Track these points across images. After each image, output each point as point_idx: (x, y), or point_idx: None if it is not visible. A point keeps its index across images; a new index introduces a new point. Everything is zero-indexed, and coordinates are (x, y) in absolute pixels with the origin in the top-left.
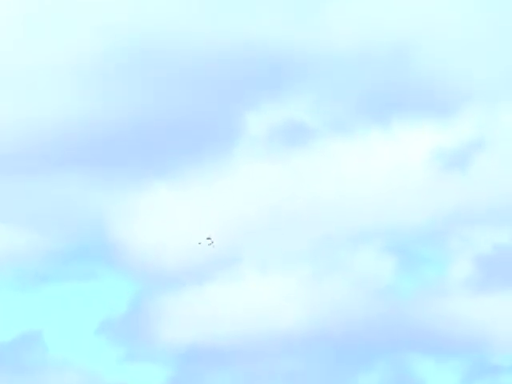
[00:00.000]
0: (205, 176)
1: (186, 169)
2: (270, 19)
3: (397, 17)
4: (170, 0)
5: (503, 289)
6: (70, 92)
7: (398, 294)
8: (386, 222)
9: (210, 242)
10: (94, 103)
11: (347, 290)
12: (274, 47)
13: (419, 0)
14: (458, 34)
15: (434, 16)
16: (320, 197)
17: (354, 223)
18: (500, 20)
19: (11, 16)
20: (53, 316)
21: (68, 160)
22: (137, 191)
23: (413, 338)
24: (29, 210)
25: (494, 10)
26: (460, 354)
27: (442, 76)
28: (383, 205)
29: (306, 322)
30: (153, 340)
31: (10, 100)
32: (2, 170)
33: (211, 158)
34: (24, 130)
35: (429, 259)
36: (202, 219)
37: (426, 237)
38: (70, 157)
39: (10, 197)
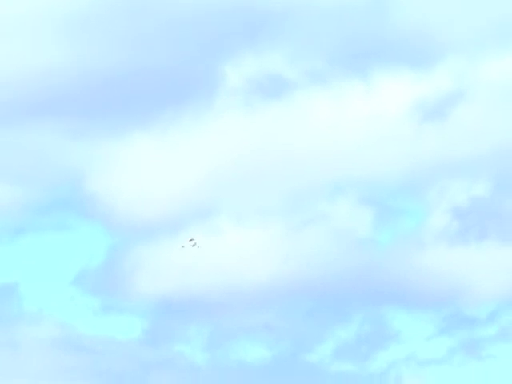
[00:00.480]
0: (183, 127)
1: (164, 120)
2: None
3: None
4: None
5: (479, 241)
6: (50, 41)
7: (374, 246)
8: (364, 174)
9: (193, 243)
10: (74, 53)
11: (324, 242)
12: None
13: None
14: None
15: None
16: (297, 148)
17: (331, 175)
18: None
19: None
20: (28, 268)
21: (45, 110)
22: (114, 142)
23: (389, 290)
24: (4, 161)
25: None
26: (436, 305)
27: (422, 27)
28: (361, 156)
29: (281, 274)
30: (128, 292)
31: None
32: None
33: (189, 109)
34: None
35: (406, 211)
36: (179, 171)
37: (404, 189)
38: (47, 107)
39: None
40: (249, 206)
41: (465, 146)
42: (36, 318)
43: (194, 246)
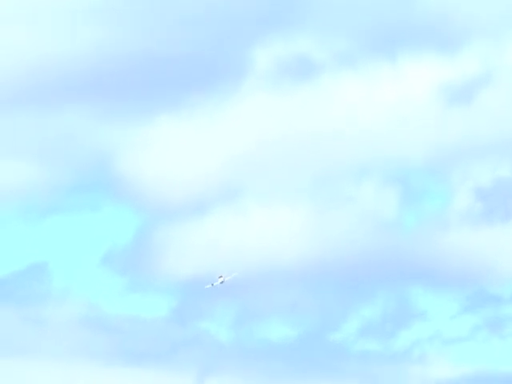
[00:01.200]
0: (211, 110)
1: (194, 103)
2: None
3: None
4: None
5: (503, 221)
6: (82, 26)
7: (399, 227)
8: (389, 156)
9: (221, 280)
10: (105, 39)
11: (350, 223)
12: None
13: None
14: None
15: None
16: (324, 130)
17: (358, 157)
18: None
19: None
20: (57, 247)
21: (75, 94)
22: (142, 125)
23: (414, 270)
24: (35, 144)
25: None
26: (460, 285)
27: (449, 11)
28: (386, 139)
29: (307, 255)
30: (155, 271)
31: (17, 34)
32: (9, 104)
33: (218, 92)
34: (31, 65)
35: (431, 192)
36: (206, 153)
37: (429, 170)
38: (76, 91)
39: (15, 131)
40: (275, 187)
41: (489, 129)
42: (64, 297)
43: (222, 283)
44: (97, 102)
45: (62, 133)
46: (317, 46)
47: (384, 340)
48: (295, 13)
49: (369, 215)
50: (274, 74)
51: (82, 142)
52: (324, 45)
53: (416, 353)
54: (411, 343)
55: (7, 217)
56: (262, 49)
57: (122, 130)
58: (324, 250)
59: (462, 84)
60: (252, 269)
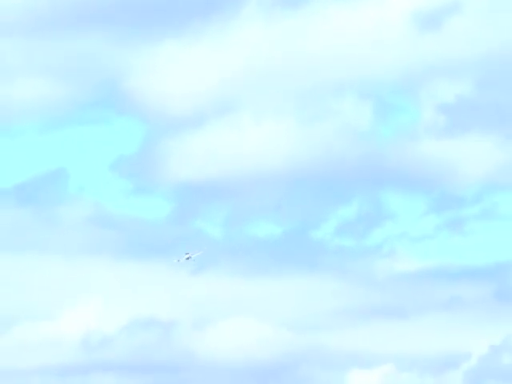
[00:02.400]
0: (212, 35)
1: (196, 29)
2: None
3: None
4: None
5: (464, 132)
6: None
7: (374, 137)
8: (367, 75)
9: (187, 256)
10: None
11: (330, 133)
12: None
13: None
14: None
15: None
16: (310, 52)
17: (339, 75)
18: None
19: None
20: (72, 155)
21: (90, 21)
22: (149, 48)
23: (386, 175)
24: (54, 63)
25: None
26: (426, 189)
27: None
28: (365, 59)
29: (292, 162)
30: (158, 176)
31: None
32: (28, 26)
33: (218, 18)
34: None
35: (402, 107)
36: (205, 72)
37: (401, 88)
38: (92, 18)
39: (36, 51)
40: (266, 102)
41: (454, 52)
42: (77, 199)
43: (188, 259)
44: (110, 27)
45: (78, 54)
46: None
47: (358, 237)
48: None
49: (347, 126)
50: (268, 3)
51: (95, 62)
52: None
53: (386, 249)
54: (382, 240)
55: (28, 128)
56: None
57: (130, 51)
58: (307, 157)
59: (433, 11)
60: (242, 173)
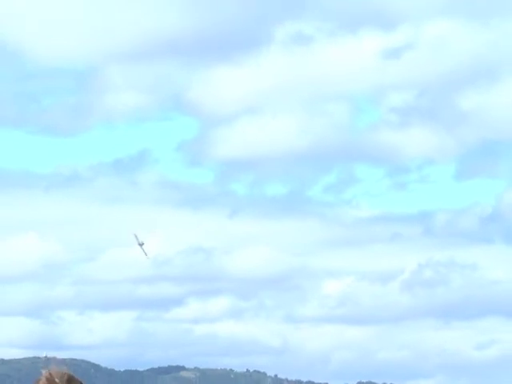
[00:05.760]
0: (248, 61)
1: (238, 56)
2: None
3: None
4: None
5: (410, 126)
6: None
7: (351, 130)
8: (348, 89)
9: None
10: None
11: (323, 127)
12: None
13: None
14: None
15: None
16: (312, 74)
17: (330, 89)
18: None
19: None
20: (154, 140)
21: (164, 50)
22: (204, 70)
23: (357, 154)
24: (142, 79)
25: None
26: (384, 163)
27: None
28: (347, 78)
29: (296, 145)
30: (207, 154)
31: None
32: (127, 55)
33: (253, 50)
34: (145, 32)
35: (370, 109)
36: (243, 86)
37: (370, 97)
38: (165, 48)
39: (132, 72)
40: (281, 106)
41: (407, 73)
42: (154, 169)
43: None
44: (178, 56)
45: (157, 74)
46: None
47: (336, 195)
48: None
49: (334, 122)
50: (287, 41)
51: (167, 79)
52: None
53: (354, 202)
54: (351, 197)
55: (126, 123)
56: None
57: (191, 72)
58: (306, 142)
59: (395, 46)
60: (262, 154)
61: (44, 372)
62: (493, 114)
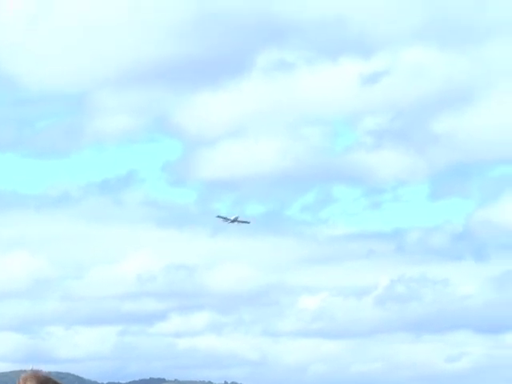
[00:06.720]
0: (231, 86)
1: (221, 82)
2: None
3: None
4: None
5: (384, 148)
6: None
7: (328, 151)
8: (326, 113)
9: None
10: (163, 51)
11: (302, 149)
12: None
13: None
14: None
15: None
16: (292, 99)
17: (309, 113)
18: None
19: None
20: (141, 160)
21: (151, 76)
22: (189, 94)
23: (334, 175)
24: (131, 102)
25: None
26: (360, 183)
27: None
28: (325, 103)
29: (276, 166)
30: (189, 174)
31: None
32: (117, 80)
33: (236, 76)
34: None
35: (346, 133)
36: (226, 110)
37: (346, 121)
38: (152, 74)
39: (122, 95)
40: (262, 129)
41: (382, 98)
42: (139, 187)
43: (234, 221)
44: (165, 82)
45: (145, 98)
46: None
47: (313, 214)
48: None
49: (312, 144)
50: (268, 67)
51: (154, 103)
52: None
53: (331, 221)
54: (328, 216)
55: (113, 144)
56: None
57: (176, 97)
58: (286, 163)
59: (372, 72)
60: (243, 174)
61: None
62: (464, 136)
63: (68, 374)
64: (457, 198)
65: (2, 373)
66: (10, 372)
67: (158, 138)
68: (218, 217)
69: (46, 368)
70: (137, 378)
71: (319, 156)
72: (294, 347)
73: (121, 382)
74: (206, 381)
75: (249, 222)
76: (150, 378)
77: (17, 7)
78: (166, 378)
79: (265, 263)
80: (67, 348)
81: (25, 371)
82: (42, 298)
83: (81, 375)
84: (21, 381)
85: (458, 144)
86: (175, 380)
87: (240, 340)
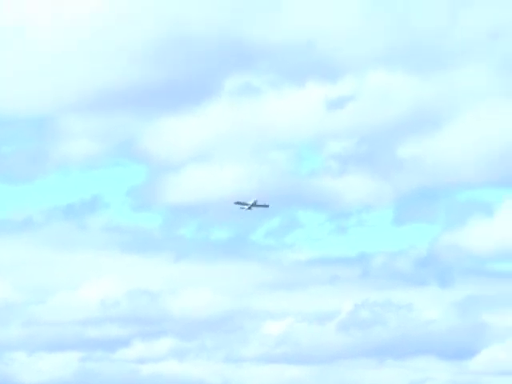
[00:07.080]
0: (198, 111)
1: (188, 107)
2: None
3: None
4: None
5: (348, 174)
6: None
7: (294, 176)
8: (292, 137)
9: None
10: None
11: (267, 173)
12: None
13: None
14: None
15: None
16: (259, 123)
17: (275, 137)
18: None
19: None
20: (105, 186)
21: (117, 101)
22: (155, 120)
23: (299, 200)
24: (95, 128)
25: None
26: (325, 208)
27: None
28: (291, 127)
29: (240, 190)
30: (154, 199)
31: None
32: (84, 105)
33: (203, 101)
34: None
35: (312, 157)
36: (192, 134)
37: (312, 145)
38: (118, 100)
39: (86, 121)
40: (229, 153)
41: (347, 122)
42: (104, 212)
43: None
44: (130, 107)
45: (110, 123)
46: None
47: (278, 239)
48: None
49: (277, 168)
50: (235, 92)
51: (120, 128)
52: None
53: (296, 246)
54: (293, 241)
55: (76, 168)
56: None
57: (142, 122)
58: (250, 187)
59: (337, 97)
60: (208, 200)
61: None
62: (430, 161)
63: None
64: (422, 222)
65: None
66: None
67: (123, 163)
68: (237, 203)
69: None
70: None
71: (284, 180)
72: (257, 373)
73: None
74: None
75: (267, 206)
76: None
77: None
78: None
79: (229, 288)
80: (30, 374)
81: None
82: (4, 324)
83: None
84: None
85: (423, 168)
86: None
87: (203, 366)
